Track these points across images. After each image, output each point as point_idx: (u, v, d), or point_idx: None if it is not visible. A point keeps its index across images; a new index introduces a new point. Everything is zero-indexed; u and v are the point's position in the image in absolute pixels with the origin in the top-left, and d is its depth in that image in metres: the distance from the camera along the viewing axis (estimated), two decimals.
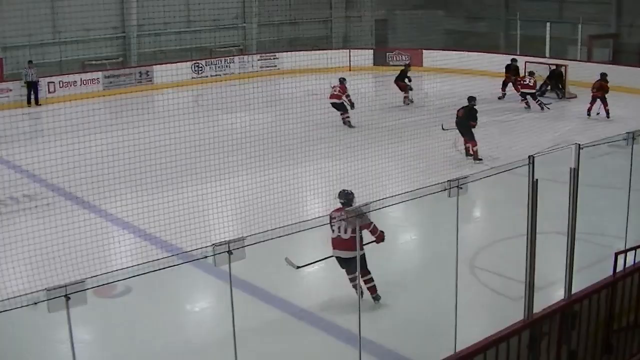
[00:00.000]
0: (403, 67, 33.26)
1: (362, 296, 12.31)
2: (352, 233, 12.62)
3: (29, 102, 32.73)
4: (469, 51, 38.51)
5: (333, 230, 13.09)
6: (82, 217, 16.47)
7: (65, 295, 6.87)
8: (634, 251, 11.10)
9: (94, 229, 15.67)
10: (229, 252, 7.77)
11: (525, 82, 31.67)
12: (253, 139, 21.08)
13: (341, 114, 28.36)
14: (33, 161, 18.95)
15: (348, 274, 13.32)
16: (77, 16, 31.28)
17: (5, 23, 29.22)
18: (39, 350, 12.25)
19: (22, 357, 12.23)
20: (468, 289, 12.99)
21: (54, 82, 34.28)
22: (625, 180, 12.87)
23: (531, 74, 32.29)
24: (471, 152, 22.90)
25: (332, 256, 13.50)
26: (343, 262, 13.26)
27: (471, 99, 23.22)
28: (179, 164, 19.91)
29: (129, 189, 18.20)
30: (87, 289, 7.02)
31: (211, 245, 7.80)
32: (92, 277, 7.34)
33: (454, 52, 38.50)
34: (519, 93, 31.95)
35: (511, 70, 34.14)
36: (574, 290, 10.36)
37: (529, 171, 9.56)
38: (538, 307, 9.96)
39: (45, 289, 6.88)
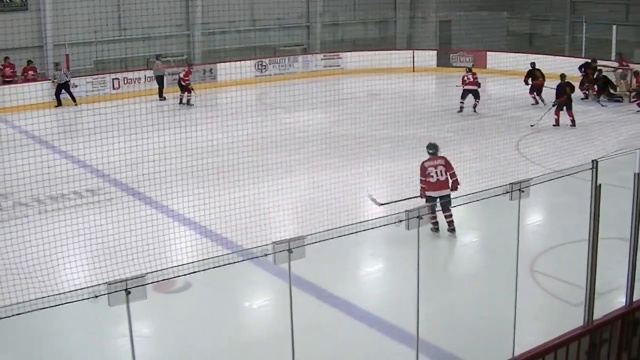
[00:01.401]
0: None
1: (454, 232, 16.53)
2: (445, 175, 16.33)
3: (58, 103, 32.84)
4: (533, 53, 38.16)
5: (431, 176, 16.28)
6: (143, 213, 16.62)
7: (126, 290, 6.96)
8: None
9: (155, 224, 15.80)
10: (289, 251, 7.81)
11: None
12: (315, 137, 21.09)
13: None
14: (97, 157, 19.20)
15: (444, 212, 16.33)
16: (142, 14, 31.50)
17: (72, 20, 29.50)
18: (99, 344, 12.39)
19: (83, 350, 12.38)
20: (528, 293, 12.90)
21: (118, 79, 34.69)
22: None
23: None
24: None
25: (417, 196, 16.39)
26: (441, 199, 16.18)
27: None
28: (241, 161, 20.01)
29: (191, 185, 18.37)
30: (147, 283, 7.10)
31: (271, 244, 7.84)
32: (152, 272, 7.42)
33: (518, 54, 38.15)
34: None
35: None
36: (635, 297, 10.26)
37: (592, 176, 9.49)
38: (598, 313, 9.88)
39: (107, 282, 6.98)
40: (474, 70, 31.41)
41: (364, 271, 15.97)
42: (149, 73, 35.50)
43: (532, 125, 27.37)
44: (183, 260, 13.21)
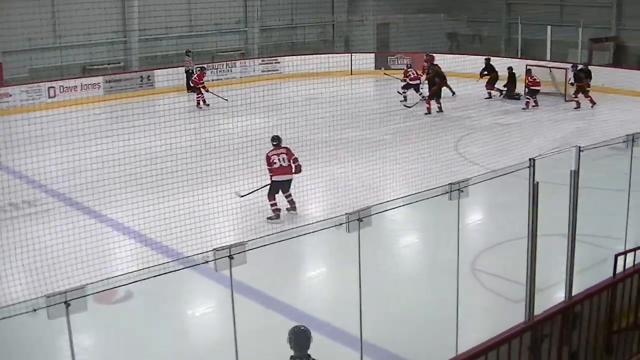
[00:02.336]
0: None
1: (295, 210, 18.66)
2: (287, 161, 18.55)
3: None
4: (470, 54, 38.51)
5: (275, 163, 18.49)
6: (82, 223, 16.49)
7: (66, 302, 6.86)
8: (633, 253, 11.11)
9: (95, 234, 15.70)
10: (230, 257, 7.78)
11: (535, 80, 32.06)
12: (254, 143, 21.06)
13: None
14: (33, 167, 18.96)
15: (284, 192, 18.61)
16: (78, 20, 31.26)
17: (5, 28, 29.18)
18: (39, 358, 12.25)
19: None
20: (469, 292, 13.01)
21: (54, 87, 34.30)
22: (625, 182, 12.89)
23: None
24: None
25: (269, 184, 18.59)
26: (284, 184, 18.61)
27: None
28: (180, 168, 19.93)
29: (130, 194, 18.20)
30: (88, 295, 7.01)
31: (212, 250, 7.80)
32: (92, 283, 7.34)
33: (456, 55, 38.47)
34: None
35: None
36: (574, 292, 10.38)
37: (529, 174, 9.58)
38: (539, 309, 9.97)
39: (45, 295, 6.87)
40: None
41: (306, 275, 15.99)
42: (86, 81, 35.20)
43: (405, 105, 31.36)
44: (124, 270, 13.11)
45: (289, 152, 18.79)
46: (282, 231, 8.58)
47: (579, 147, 10.08)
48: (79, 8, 30.55)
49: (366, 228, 8.79)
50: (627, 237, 13.00)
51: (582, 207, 10.35)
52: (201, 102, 33.24)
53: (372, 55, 43.06)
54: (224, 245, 7.85)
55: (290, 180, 18.72)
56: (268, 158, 18.76)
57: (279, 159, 18.61)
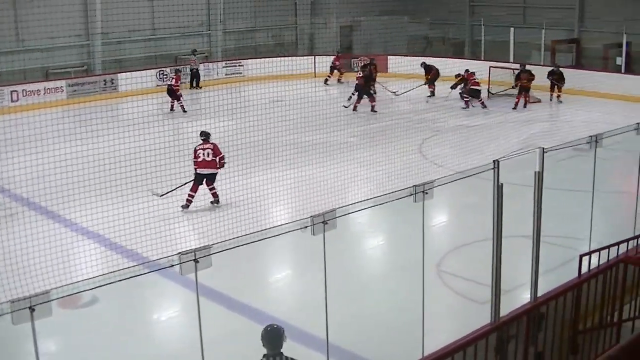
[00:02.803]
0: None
1: (218, 203, 19.57)
2: (213, 157, 19.61)
3: None
4: (434, 57, 38.64)
5: (199, 157, 19.63)
6: (46, 227, 16.33)
7: (30, 307, 6.80)
8: (598, 253, 11.19)
9: (59, 239, 15.53)
10: (195, 261, 7.75)
11: (474, 80, 32.79)
12: (219, 146, 21.02)
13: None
14: None
15: (208, 185, 19.67)
16: (41, 24, 31.01)
17: None
18: None
19: None
20: (435, 294, 13.02)
21: (17, 91, 33.99)
22: (589, 183, 12.98)
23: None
24: None
25: (192, 180, 19.56)
26: (207, 177, 19.65)
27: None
28: (144, 172, 19.82)
29: (94, 198, 18.10)
30: (52, 300, 6.96)
31: (177, 254, 7.77)
32: (57, 287, 7.28)
33: (420, 57, 38.59)
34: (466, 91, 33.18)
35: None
36: (540, 293, 10.44)
37: (494, 175, 9.62)
38: (505, 310, 10.02)
39: (10, 300, 6.81)
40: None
41: (272, 278, 15.97)
42: (49, 84, 34.95)
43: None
44: (89, 275, 13.02)
45: (215, 149, 19.88)
46: (248, 234, 8.56)
47: (543, 148, 10.14)
48: (42, 11, 30.34)
49: (331, 230, 8.79)
50: (592, 237, 13.11)
51: (547, 208, 10.42)
52: (175, 107, 33.10)
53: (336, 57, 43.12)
54: (189, 248, 7.82)
55: (213, 174, 19.76)
56: (195, 151, 19.93)
57: (203, 153, 19.72)
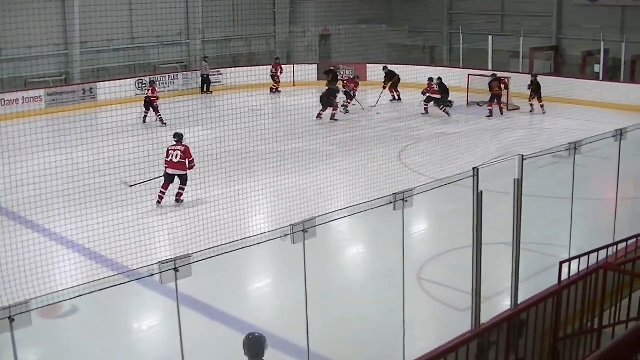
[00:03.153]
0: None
1: (178, 203, 20.30)
2: (181, 159, 20.30)
3: None
4: (412, 65, 38.74)
5: (169, 157, 20.41)
6: (25, 237, 16.25)
7: (9, 317, 6.76)
8: (578, 260, 11.21)
9: (38, 248, 15.46)
10: (175, 270, 7.73)
11: (434, 89, 33.01)
12: (197, 155, 21.00)
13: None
14: None
15: (180, 185, 20.37)
16: (19, 33, 30.92)
17: None
18: None
19: None
20: (416, 301, 13.02)
21: None
22: (568, 190, 13.03)
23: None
24: None
25: (161, 176, 20.37)
26: (172, 177, 20.34)
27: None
28: (124, 181, 19.80)
29: (73, 207, 18.02)
30: (32, 310, 6.93)
31: (157, 263, 7.75)
32: (36, 297, 7.24)
33: (398, 66, 38.68)
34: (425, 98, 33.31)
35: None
36: (520, 300, 10.46)
37: (473, 183, 9.63)
38: (486, 317, 10.03)
39: None
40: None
41: (252, 287, 15.94)
42: (27, 94, 34.80)
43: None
44: (69, 284, 12.96)
45: (186, 151, 20.51)
46: (228, 243, 8.54)
47: (522, 155, 10.16)
48: (20, 20, 30.27)
49: (311, 239, 8.78)
50: (572, 244, 13.15)
51: (526, 216, 10.45)
52: (148, 118, 32.51)
53: (315, 66, 43.16)
54: (169, 257, 7.79)
55: (181, 175, 20.42)
56: (167, 151, 20.68)
57: (173, 154, 20.45)
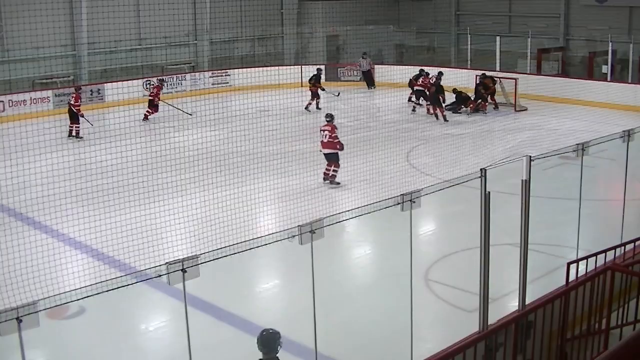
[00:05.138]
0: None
1: (331, 184, 21.54)
2: (329, 139, 21.57)
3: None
4: (420, 66, 38.71)
5: (320, 137, 21.84)
6: (33, 238, 16.25)
7: (17, 318, 6.77)
8: (585, 261, 11.20)
9: (46, 249, 15.47)
10: (183, 271, 7.73)
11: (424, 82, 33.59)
12: (205, 156, 21.01)
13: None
14: None
15: (328, 165, 21.71)
16: (27, 34, 30.93)
17: None
18: None
19: None
20: (423, 302, 13.02)
21: (3, 102, 33.86)
22: (576, 191, 13.01)
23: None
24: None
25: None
26: (326, 156, 21.77)
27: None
28: (131, 182, 19.78)
29: (81, 208, 18.05)
30: (40, 310, 6.93)
31: (165, 264, 7.75)
32: (44, 298, 7.25)
33: (406, 67, 38.66)
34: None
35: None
36: (528, 301, 10.44)
37: (481, 184, 9.62)
38: (493, 318, 10.02)
39: None
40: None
41: (260, 287, 15.93)
42: (35, 95, 34.84)
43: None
44: (76, 285, 12.97)
45: (332, 130, 21.74)
46: (235, 244, 8.54)
47: (530, 156, 10.15)
48: (28, 22, 30.29)
49: (319, 240, 8.78)
50: (579, 245, 13.13)
51: (534, 216, 10.43)
52: (74, 132, 30.26)
53: (323, 67, 43.11)
54: (176, 258, 7.80)
55: (330, 154, 21.79)
56: (320, 130, 22.28)
57: (323, 134, 21.91)
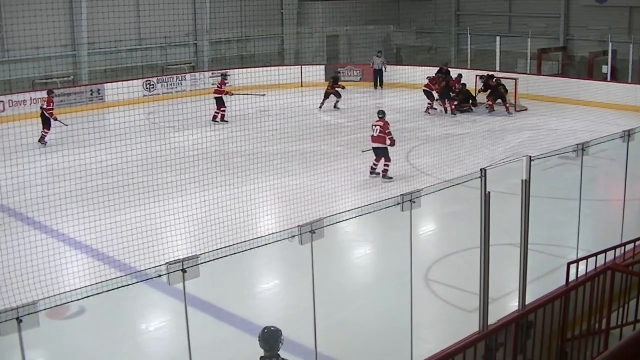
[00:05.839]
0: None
1: (385, 178, 22.05)
2: (379, 133, 22.18)
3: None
4: (420, 66, 38.71)
5: (371, 131, 22.47)
6: (33, 238, 16.25)
7: (17, 318, 6.77)
8: (585, 261, 11.20)
9: (46, 249, 15.47)
10: (183, 271, 7.73)
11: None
12: (205, 156, 21.01)
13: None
14: None
15: (377, 159, 22.46)
16: (26, 34, 30.92)
17: None
18: None
19: None
20: (423, 302, 13.03)
21: (2, 101, 33.84)
22: (576, 191, 13.01)
23: None
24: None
25: (370, 149, 22.64)
26: (375, 150, 22.43)
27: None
28: (132, 182, 19.78)
29: (81, 208, 18.05)
30: (40, 310, 6.93)
31: (165, 264, 7.75)
32: (44, 298, 7.25)
33: (406, 67, 38.69)
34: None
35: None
36: (528, 301, 10.44)
37: (481, 184, 9.62)
38: (493, 318, 10.02)
39: None
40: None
41: (260, 287, 15.93)
42: (35, 95, 34.82)
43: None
44: (76, 285, 12.98)
45: (384, 126, 22.33)
46: (235, 244, 8.54)
47: (530, 156, 10.15)
48: (27, 22, 30.29)
49: (319, 240, 8.78)
50: (579, 245, 13.13)
51: (534, 216, 10.42)
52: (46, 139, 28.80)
53: (322, 67, 43.13)
54: (176, 258, 7.80)
55: (377, 148, 22.37)
56: (372, 125, 22.79)
57: (375, 129, 22.42)
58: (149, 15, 36.17)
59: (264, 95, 31.25)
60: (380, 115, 22.81)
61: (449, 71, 35.45)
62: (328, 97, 34.49)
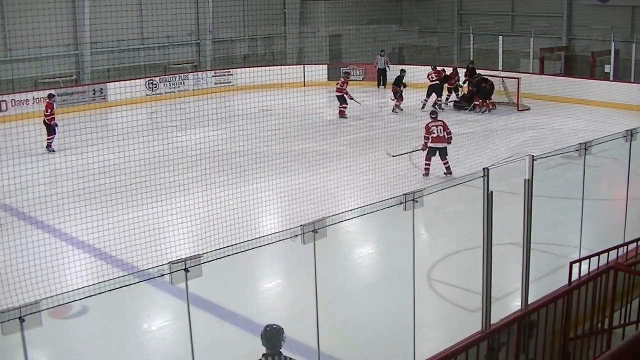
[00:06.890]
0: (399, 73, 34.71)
1: (450, 174, 22.27)
2: (443, 132, 22.62)
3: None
4: (423, 65, 38.70)
5: (433, 132, 22.63)
6: (36, 237, 16.26)
7: (20, 318, 6.77)
8: (588, 260, 11.19)
9: (49, 249, 15.47)
10: (186, 270, 7.73)
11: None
12: (208, 155, 21.01)
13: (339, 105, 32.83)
14: None
15: (441, 158, 22.68)
16: (29, 34, 30.93)
17: None
18: None
19: None
20: (426, 301, 13.03)
21: (5, 101, 33.86)
22: (578, 190, 12.99)
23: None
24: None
25: (421, 149, 23.19)
26: (439, 150, 22.66)
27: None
28: (134, 181, 19.78)
29: (84, 207, 18.06)
30: (42, 310, 6.93)
31: (167, 264, 7.75)
32: (47, 297, 7.25)
33: (409, 66, 38.65)
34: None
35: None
36: (530, 300, 10.43)
37: (483, 183, 9.61)
38: (496, 317, 10.01)
39: None
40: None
41: (262, 287, 15.93)
42: (38, 94, 34.83)
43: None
44: (79, 284, 12.98)
45: (444, 125, 22.93)
46: (238, 243, 8.54)
47: (532, 156, 10.14)
48: (30, 21, 30.30)
49: (321, 239, 8.77)
50: (582, 244, 13.12)
51: (536, 216, 10.42)
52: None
53: (325, 66, 43.12)
54: (179, 258, 7.80)
55: (444, 148, 22.75)
56: (428, 128, 22.93)
57: (437, 129, 22.74)
58: (152, 15, 36.17)
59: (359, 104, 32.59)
60: (433, 116, 23.51)
61: (474, 69, 35.33)
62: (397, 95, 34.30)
